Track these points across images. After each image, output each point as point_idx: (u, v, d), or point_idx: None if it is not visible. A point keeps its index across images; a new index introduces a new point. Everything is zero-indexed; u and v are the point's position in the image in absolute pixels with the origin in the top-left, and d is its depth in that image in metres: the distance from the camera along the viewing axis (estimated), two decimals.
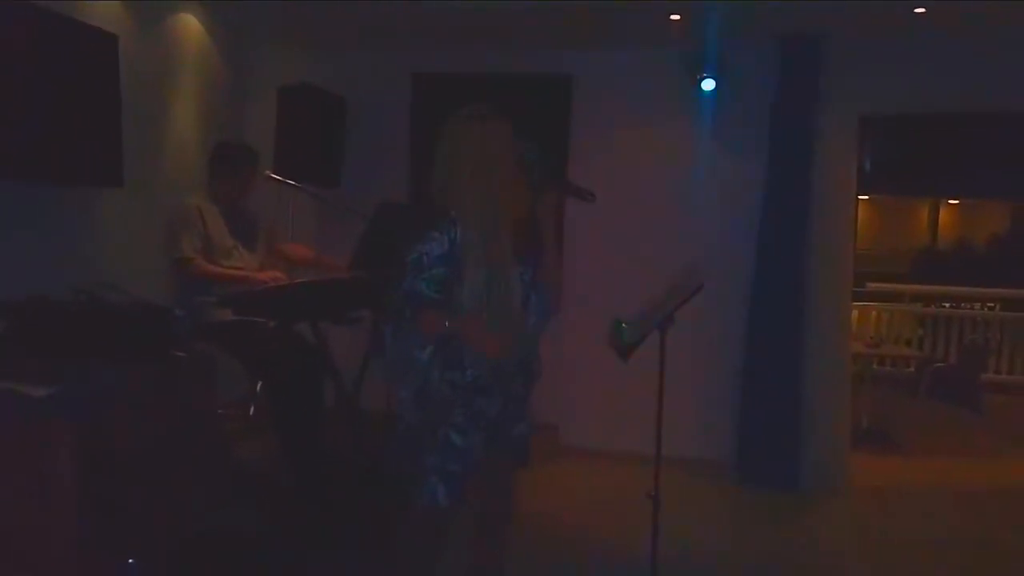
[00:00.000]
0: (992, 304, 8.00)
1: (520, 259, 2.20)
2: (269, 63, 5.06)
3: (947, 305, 7.90)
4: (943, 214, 12.51)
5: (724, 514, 4.25)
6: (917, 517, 4.22)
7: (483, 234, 2.10)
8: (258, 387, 4.44)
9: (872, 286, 7.82)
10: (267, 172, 4.08)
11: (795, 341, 4.50)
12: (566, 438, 4.97)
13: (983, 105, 4.77)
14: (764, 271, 4.57)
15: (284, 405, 3.68)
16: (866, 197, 11.47)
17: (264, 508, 3.50)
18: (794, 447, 4.49)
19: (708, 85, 4.40)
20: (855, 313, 6.03)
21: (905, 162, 10.60)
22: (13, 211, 3.31)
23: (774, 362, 4.51)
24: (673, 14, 4.24)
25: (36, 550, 2.19)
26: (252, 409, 4.49)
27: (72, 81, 3.45)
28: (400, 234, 2.22)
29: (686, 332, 4.63)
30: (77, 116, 3.48)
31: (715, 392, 4.76)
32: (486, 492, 2.36)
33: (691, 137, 4.75)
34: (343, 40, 5.05)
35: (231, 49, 4.81)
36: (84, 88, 3.53)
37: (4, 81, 3.08)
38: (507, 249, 2.16)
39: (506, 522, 2.46)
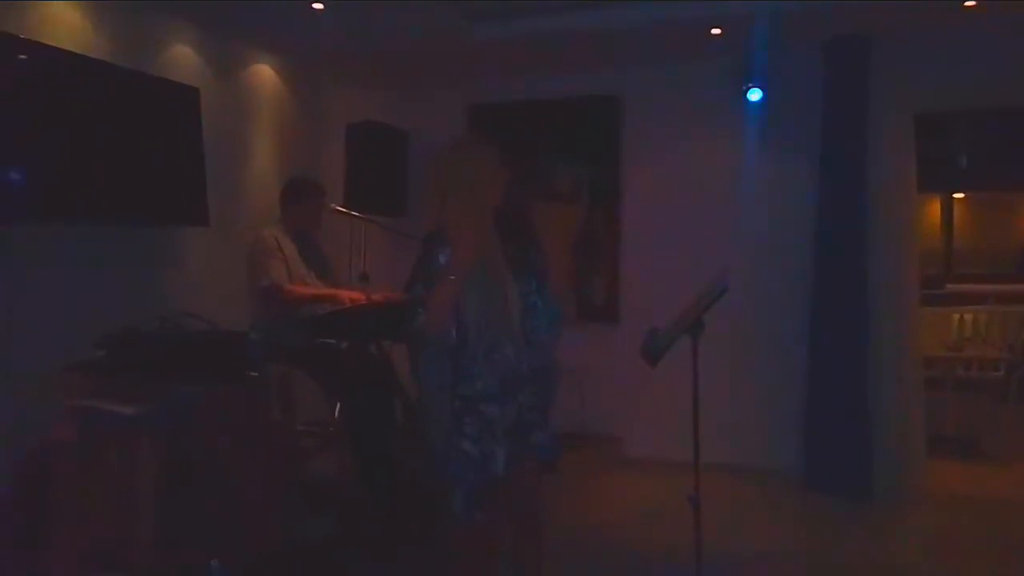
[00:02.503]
0: None
1: (521, 273, 2.33)
2: (338, 103, 5.43)
3: None
4: None
5: (789, 523, 4.17)
6: (997, 527, 4.02)
7: (475, 252, 2.22)
8: (336, 408, 4.70)
9: (951, 287, 7.45)
10: (333, 206, 4.37)
11: (860, 345, 4.42)
12: (629, 450, 5.04)
13: None
14: (824, 276, 4.53)
15: (359, 422, 3.90)
16: (962, 196, 10.89)
17: (339, 519, 3.73)
18: (864, 454, 4.39)
19: (754, 95, 4.43)
20: (929, 315, 5.77)
21: (1006, 156, 10.00)
22: (111, 251, 3.74)
23: (839, 367, 4.45)
24: (714, 28, 4.32)
25: (122, 550, 2.49)
26: (332, 428, 4.75)
27: (160, 132, 3.87)
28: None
29: (750, 340, 4.69)
30: (166, 163, 3.89)
31: (781, 400, 4.73)
32: (514, 500, 2.42)
33: (741, 147, 4.79)
34: (404, 78, 5.38)
35: (303, 92, 5.19)
36: (171, 137, 3.94)
37: (103, 137, 3.52)
38: (500, 265, 2.31)
39: (539, 528, 2.50)
